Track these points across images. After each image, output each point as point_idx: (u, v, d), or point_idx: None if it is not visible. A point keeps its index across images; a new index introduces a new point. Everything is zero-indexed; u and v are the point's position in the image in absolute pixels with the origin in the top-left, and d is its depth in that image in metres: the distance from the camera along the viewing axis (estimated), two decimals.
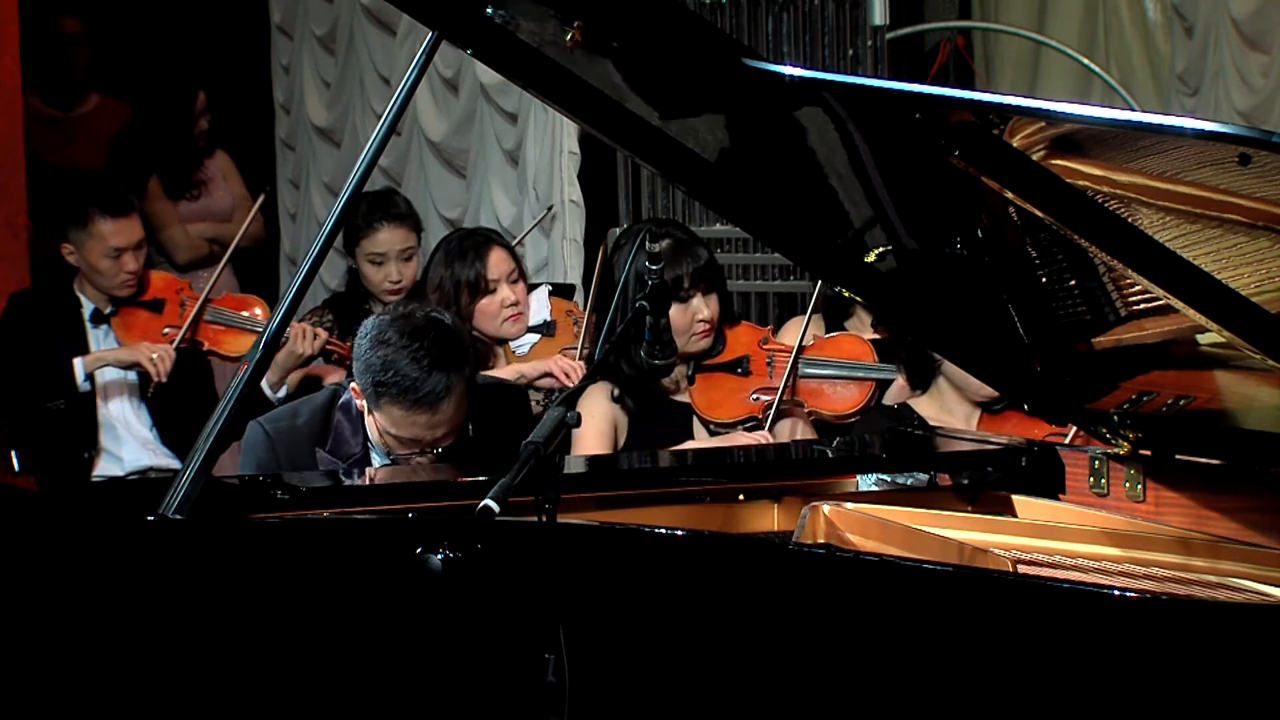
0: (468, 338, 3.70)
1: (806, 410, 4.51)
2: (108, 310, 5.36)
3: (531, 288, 5.08)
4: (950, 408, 4.23)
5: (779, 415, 4.45)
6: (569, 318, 5.00)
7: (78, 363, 5.24)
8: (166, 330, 5.31)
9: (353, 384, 3.60)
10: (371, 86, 7.40)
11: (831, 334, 4.82)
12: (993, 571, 2.73)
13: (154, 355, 5.19)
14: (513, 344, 4.91)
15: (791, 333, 4.73)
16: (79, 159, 6.92)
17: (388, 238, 5.27)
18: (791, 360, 4.48)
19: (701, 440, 4.40)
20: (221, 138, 6.97)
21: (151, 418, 5.33)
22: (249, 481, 3.24)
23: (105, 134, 7.18)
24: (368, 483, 3.42)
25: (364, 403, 3.59)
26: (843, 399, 4.49)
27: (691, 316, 4.40)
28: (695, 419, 4.45)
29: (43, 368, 5.28)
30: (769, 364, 4.52)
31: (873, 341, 4.60)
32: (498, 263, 4.87)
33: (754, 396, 4.47)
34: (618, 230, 6.08)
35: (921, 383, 4.29)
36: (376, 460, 3.65)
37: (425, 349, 3.48)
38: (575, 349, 4.94)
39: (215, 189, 6.81)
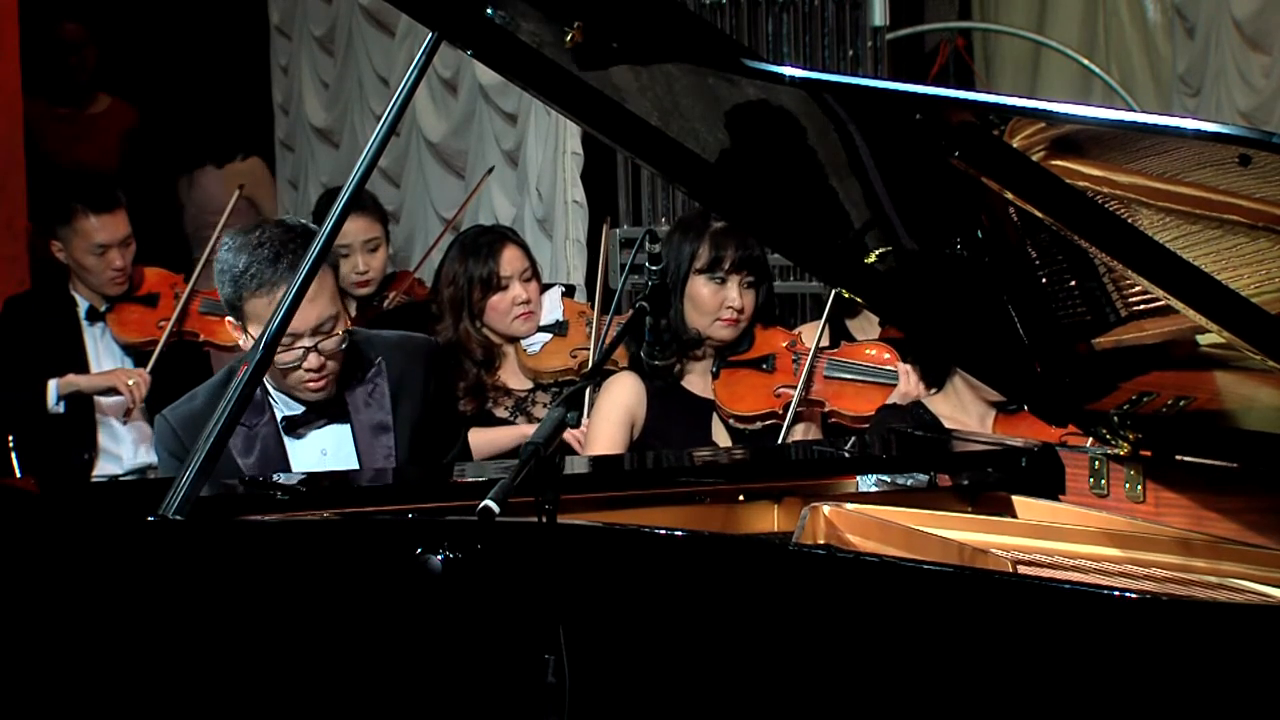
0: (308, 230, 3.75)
1: (828, 410, 4.53)
2: (103, 308, 5.36)
3: (545, 288, 5.08)
4: (965, 407, 4.23)
5: (797, 416, 4.46)
6: (581, 318, 5.01)
7: (52, 384, 5.19)
8: (161, 324, 5.30)
9: (226, 319, 3.66)
10: (370, 87, 7.39)
11: (860, 340, 4.84)
12: (993, 572, 2.73)
13: (130, 381, 5.17)
14: (524, 343, 4.91)
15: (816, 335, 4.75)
16: (89, 159, 6.92)
17: (351, 228, 5.26)
18: (809, 361, 4.49)
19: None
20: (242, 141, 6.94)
21: (150, 412, 5.32)
22: (248, 482, 3.24)
23: (115, 135, 7.18)
24: (367, 483, 3.42)
25: (239, 334, 3.64)
26: (865, 401, 4.50)
27: (721, 300, 4.36)
28: (715, 415, 4.44)
29: (34, 374, 5.27)
30: (795, 363, 4.52)
31: (892, 343, 4.61)
32: (511, 260, 4.88)
33: (777, 392, 4.48)
34: (618, 230, 6.09)
35: (935, 380, 4.29)
36: (280, 411, 3.64)
37: (266, 236, 3.60)
38: (587, 349, 4.94)
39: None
